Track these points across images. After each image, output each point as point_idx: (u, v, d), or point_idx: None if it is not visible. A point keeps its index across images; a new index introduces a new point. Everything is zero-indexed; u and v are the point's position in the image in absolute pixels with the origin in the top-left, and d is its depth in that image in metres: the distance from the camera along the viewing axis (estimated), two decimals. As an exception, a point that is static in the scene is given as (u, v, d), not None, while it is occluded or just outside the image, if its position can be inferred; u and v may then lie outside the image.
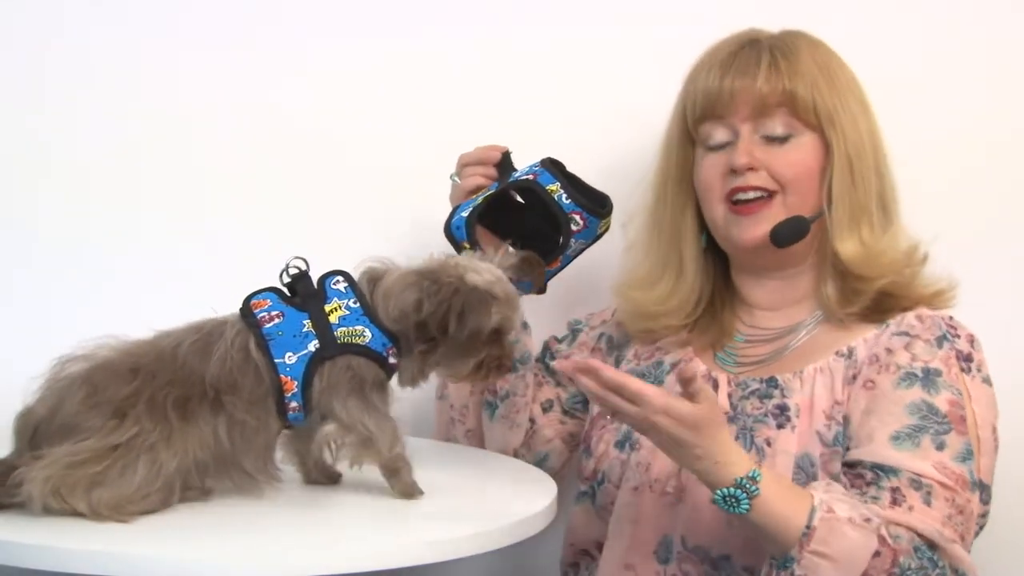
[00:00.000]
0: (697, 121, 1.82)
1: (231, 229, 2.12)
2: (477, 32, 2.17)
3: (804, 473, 1.70)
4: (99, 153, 2.09)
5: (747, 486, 1.54)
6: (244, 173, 2.13)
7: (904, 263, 1.79)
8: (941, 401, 1.68)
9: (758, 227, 1.78)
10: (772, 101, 1.76)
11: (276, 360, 1.54)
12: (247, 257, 2.08)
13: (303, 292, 1.59)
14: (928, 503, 1.62)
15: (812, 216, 1.79)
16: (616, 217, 1.90)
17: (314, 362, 1.55)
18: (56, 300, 2.07)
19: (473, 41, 2.17)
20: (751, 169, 1.77)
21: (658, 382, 1.87)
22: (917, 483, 1.63)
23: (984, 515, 1.72)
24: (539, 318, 2.00)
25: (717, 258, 1.89)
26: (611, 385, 1.52)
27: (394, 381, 1.61)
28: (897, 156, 1.84)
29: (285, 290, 1.60)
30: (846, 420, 1.72)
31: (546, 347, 2.04)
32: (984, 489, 1.70)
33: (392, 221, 2.14)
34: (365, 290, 1.59)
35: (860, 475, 1.66)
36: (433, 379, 1.74)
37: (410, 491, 1.58)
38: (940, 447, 1.65)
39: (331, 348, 1.56)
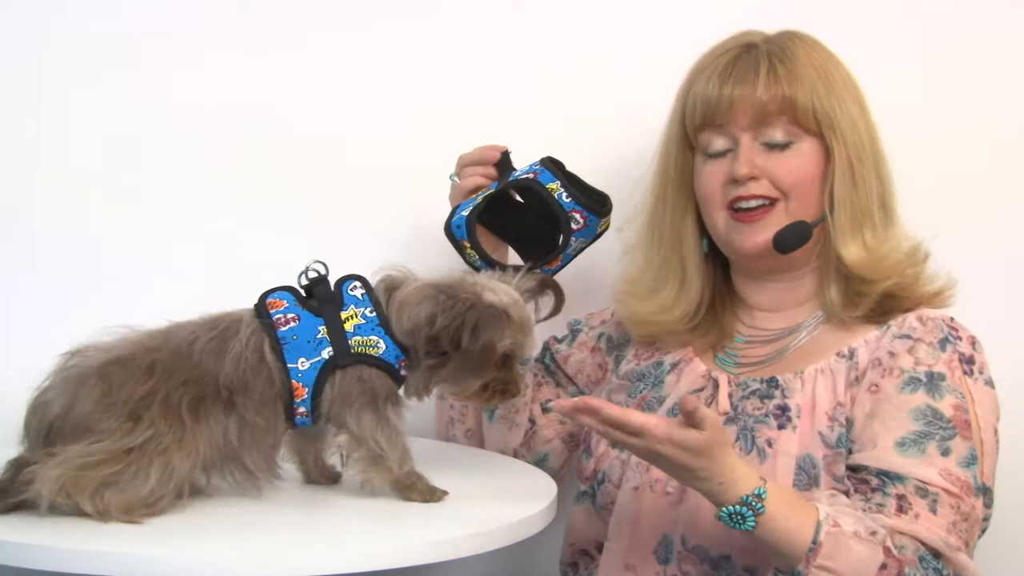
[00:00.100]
0: (696, 129, 1.81)
1: (230, 229, 2.11)
2: (476, 32, 2.17)
3: (806, 474, 1.70)
4: (98, 153, 2.09)
5: (753, 504, 1.54)
6: (243, 173, 2.13)
7: (907, 263, 1.79)
8: (945, 406, 1.68)
9: (760, 234, 1.78)
10: (772, 109, 1.76)
11: (289, 365, 1.54)
12: (246, 257, 2.09)
13: (320, 296, 1.58)
14: (934, 511, 1.62)
15: (814, 221, 1.79)
16: (614, 219, 1.90)
17: (326, 370, 1.55)
18: (55, 300, 2.07)
19: (472, 42, 2.17)
20: (752, 178, 1.77)
21: (658, 382, 1.87)
22: (923, 491, 1.63)
23: (987, 518, 1.72)
24: (539, 318, 2.00)
25: (717, 260, 1.88)
26: (613, 422, 1.52)
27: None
28: (896, 155, 1.83)
29: (302, 291, 1.59)
30: (849, 422, 1.72)
31: (546, 347, 2.04)
32: (987, 492, 1.70)
33: (391, 221, 2.14)
34: (382, 299, 1.59)
35: (865, 480, 1.66)
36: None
37: (432, 497, 1.58)
38: (945, 453, 1.65)
39: (344, 357, 1.55)
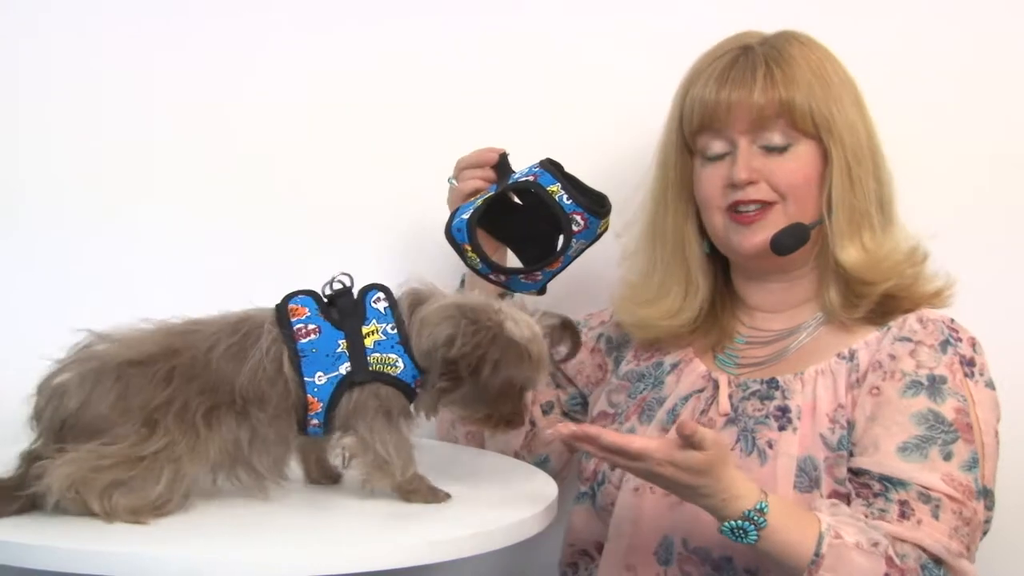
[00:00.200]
0: (694, 133, 1.81)
1: (230, 229, 2.11)
2: (476, 33, 2.17)
3: (806, 476, 1.70)
4: (98, 153, 2.09)
5: (755, 518, 1.55)
6: (243, 173, 2.12)
7: (906, 264, 1.79)
8: (947, 409, 1.68)
9: (759, 234, 1.77)
10: (769, 112, 1.76)
11: (306, 379, 1.53)
12: (246, 257, 2.09)
13: (342, 308, 1.57)
14: (936, 516, 1.63)
15: (812, 223, 1.78)
16: (612, 223, 1.90)
17: (342, 385, 1.54)
18: (55, 300, 2.07)
19: (472, 42, 2.17)
20: (751, 183, 1.77)
21: (658, 382, 1.87)
22: (926, 497, 1.63)
23: (988, 520, 1.72)
24: (538, 319, 1.99)
25: (717, 260, 1.88)
26: (613, 448, 1.52)
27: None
28: (896, 155, 1.83)
29: (323, 296, 1.58)
30: (850, 424, 1.72)
31: (546, 348, 2.03)
32: (988, 495, 1.71)
33: (391, 221, 2.14)
34: (405, 315, 1.57)
35: (867, 485, 1.66)
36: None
37: (434, 498, 1.58)
38: (947, 457, 1.66)
39: (361, 374, 1.54)
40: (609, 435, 1.52)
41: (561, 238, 1.85)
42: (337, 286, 1.58)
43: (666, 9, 2.17)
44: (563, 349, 1.67)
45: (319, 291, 1.59)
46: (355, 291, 1.59)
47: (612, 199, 1.88)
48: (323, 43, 2.14)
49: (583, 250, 1.89)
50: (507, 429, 1.63)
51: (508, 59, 2.17)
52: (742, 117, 1.77)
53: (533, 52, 2.16)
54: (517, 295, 1.90)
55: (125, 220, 2.09)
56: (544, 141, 1.95)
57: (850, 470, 1.69)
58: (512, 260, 1.96)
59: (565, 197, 1.83)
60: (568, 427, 1.53)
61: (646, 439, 1.54)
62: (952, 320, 1.77)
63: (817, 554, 1.55)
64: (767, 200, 1.77)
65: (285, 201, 2.14)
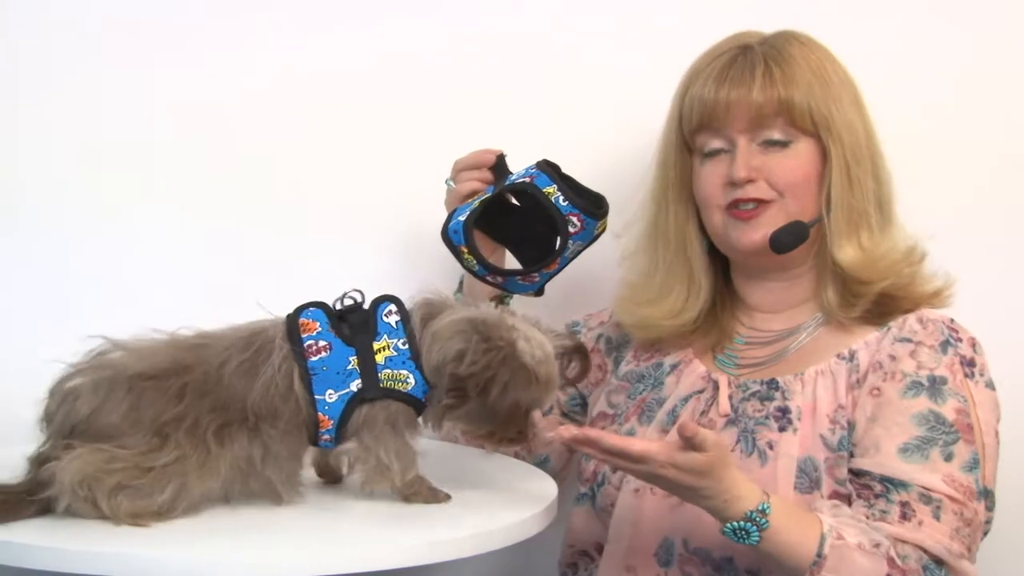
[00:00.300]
0: (693, 132, 1.81)
1: (230, 229, 2.11)
2: (475, 34, 2.17)
3: (807, 477, 1.70)
4: (98, 153, 2.09)
5: (757, 519, 1.55)
6: (243, 174, 2.12)
7: (904, 264, 1.79)
8: (948, 410, 1.68)
9: (757, 231, 1.78)
10: (768, 111, 1.76)
11: (317, 397, 1.53)
12: (247, 257, 2.09)
13: (353, 323, 1.56)
14: (937, 517, 1.63)
15: (811, 221, 1.78)
16: (611, 223, 1.90)
17: (353, 402, 1.54)
18: (55, 300, 2.07)
19: (471, 42, 2.17)
20: (750, 181, 1.77)
21: (658, 383, 1.87)
22: (927, 498, 1.63)
23: (988, 521, 1.72)
24: (538, 320, 1.99)
25: (717, 260, 1.88)
26: (614, 451, 1.52)
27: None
28: (895, 155, 1.83)
29: (333, 309, 1.57)
30: (850, 425, 1.72)
31: (545, 348, 2.03)
32: (988, 496, 1.71)
33: (390, 223, 2.14)
34: (417, 328, 1.56)
35: (868, 486, 1.67)
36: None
37: (435, 499, 1.58)
38: (948, 458, 1.66)
39: (372, 391, 1.54)
40: (610, 438, 1.52)
41: (558, 240, 1.85)
42: (348, 302, 1.58)
43: (666, 9, 2.17)
44: (571, 369, 1.66)
45: (330, 304, 1.58)
46: (367, 302, 1.58)
47: (612, 199, 1.88)
48: (323, 43, 2.14)
49: (580, 251, 1.88)
50: (510, 446, 1.64)
51: (508, 59, 2.16)
52: (741, 116, 1.77)
53: (533, 52, 2.16)
54: (516, 297, 1.90)
55: (125, 220, 2.09)
56: (544, 141, 1.95)
57: (851, 471, 1.69)
58: (510, 261, 1.96)
59: (561, 199, 1.82)
60: (569, 430, 1.53)
61: (647, 442, 1.54)
62: (952, 320, 1.77)
63: (819, 555, 1.55)
64: (766, 199, 1.77)
65: (285, 201, 2.14)
